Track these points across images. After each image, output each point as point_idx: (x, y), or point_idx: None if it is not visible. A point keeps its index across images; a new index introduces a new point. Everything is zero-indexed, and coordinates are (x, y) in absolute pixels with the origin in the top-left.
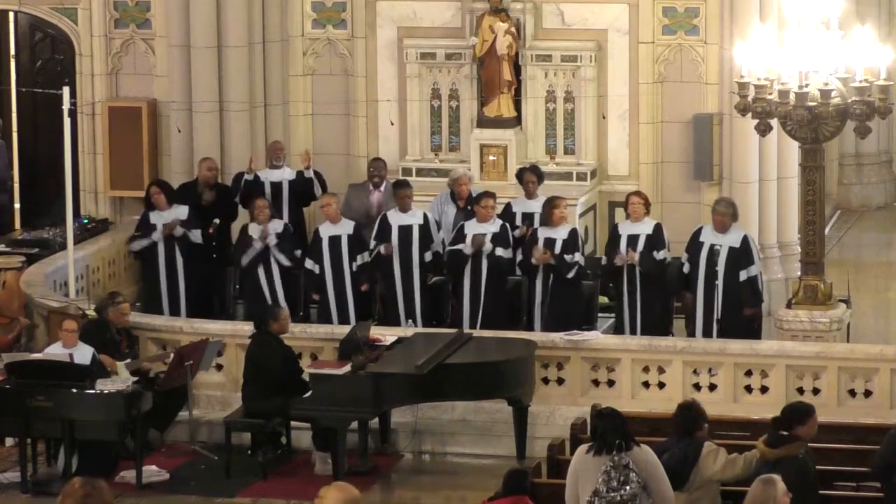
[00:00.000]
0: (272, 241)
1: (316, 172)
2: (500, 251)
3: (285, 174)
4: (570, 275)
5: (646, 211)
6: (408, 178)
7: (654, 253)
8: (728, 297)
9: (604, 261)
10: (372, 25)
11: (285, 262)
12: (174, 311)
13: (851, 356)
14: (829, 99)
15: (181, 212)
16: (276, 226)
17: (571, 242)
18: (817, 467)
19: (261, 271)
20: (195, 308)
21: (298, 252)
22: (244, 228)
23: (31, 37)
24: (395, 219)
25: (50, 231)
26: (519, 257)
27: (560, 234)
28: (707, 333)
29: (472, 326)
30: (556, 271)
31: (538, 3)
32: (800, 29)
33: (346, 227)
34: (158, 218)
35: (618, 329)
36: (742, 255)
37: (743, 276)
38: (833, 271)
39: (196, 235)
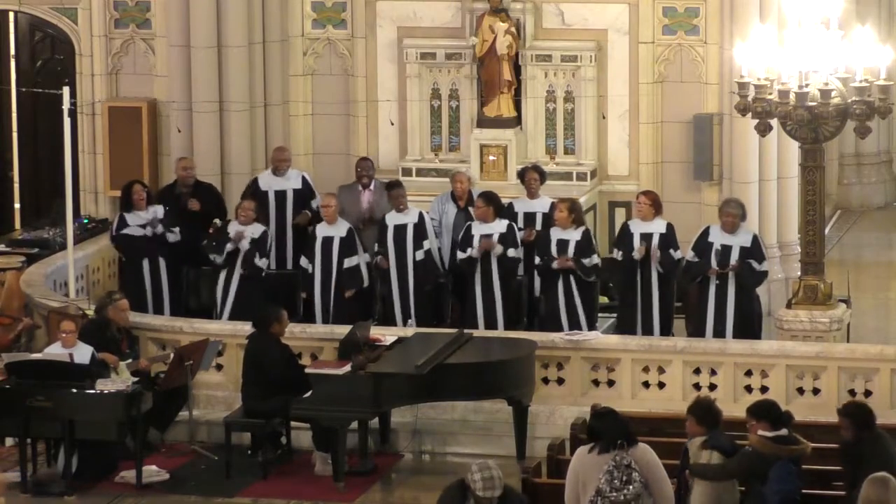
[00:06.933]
0: (245, 245)
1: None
2: (511, 252)
3: (290, 183)
4: (591, 278)
5: (655, 211)
6: (405, 179)
7: (672, 252)
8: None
9: (618, 256)
10: (372, 25)
11: (241, 270)
12: (158, 313)
13: (851, 356)
14: (829, 99)
15: (158, 211)
16: (255, 230)
17: (586, 243)
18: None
19: (221, 275)
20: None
21: (263, 262)
22: (226, 224)
23: (31, 37)
24: (391, 219)
25: (50, 231)
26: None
27: (573, 235)
28: (719, 334)
29: (490, 328)
30: (577, 275)
31: (538, 3)
32: (800, 29)
33: (340, 230)
34: (135, 218)
35: (627, 327)
36: (756, 254)
37: None
38: (833, 271)
39: (175, 234)
